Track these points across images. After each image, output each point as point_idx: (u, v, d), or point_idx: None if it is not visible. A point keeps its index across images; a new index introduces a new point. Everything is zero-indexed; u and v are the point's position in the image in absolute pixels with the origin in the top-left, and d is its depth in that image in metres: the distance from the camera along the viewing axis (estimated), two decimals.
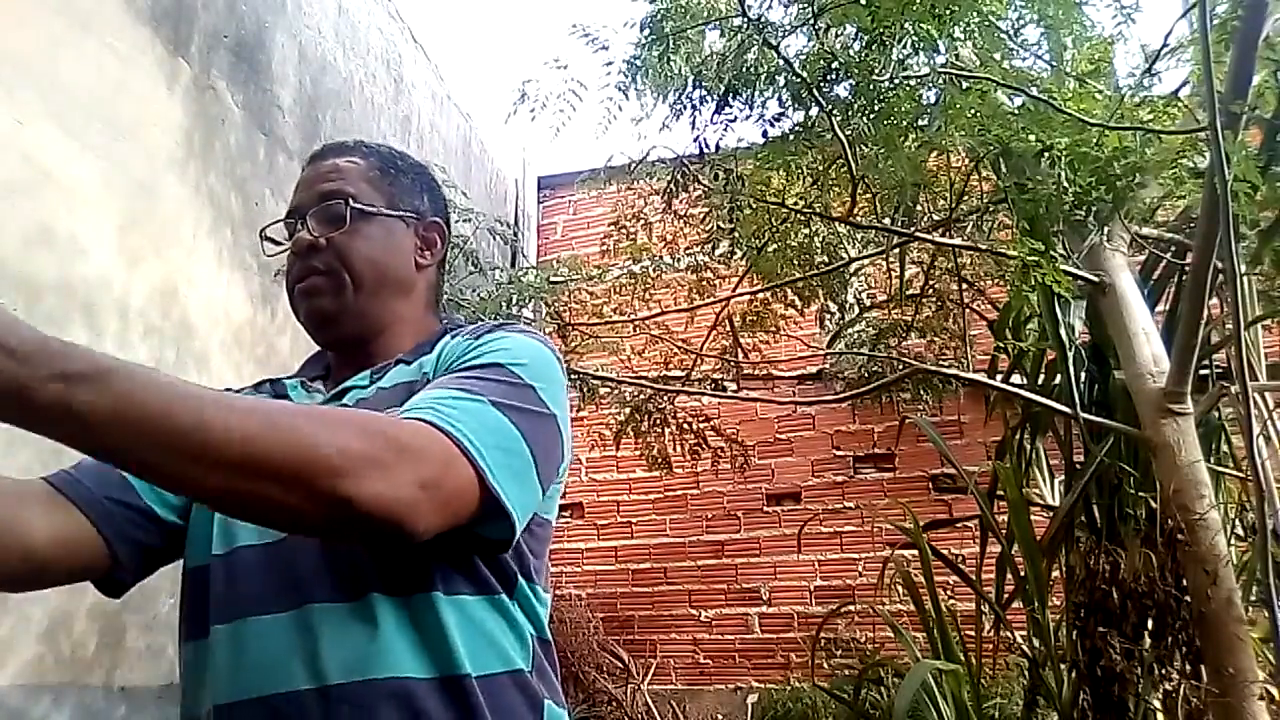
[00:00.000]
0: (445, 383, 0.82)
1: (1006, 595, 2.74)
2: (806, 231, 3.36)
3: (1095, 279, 2.45)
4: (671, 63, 2.68)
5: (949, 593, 3.62)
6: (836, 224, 3.20)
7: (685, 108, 2.84)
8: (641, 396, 3.97)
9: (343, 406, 0.92)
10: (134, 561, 0.90)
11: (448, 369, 0.88)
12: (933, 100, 2.38)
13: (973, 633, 2.81)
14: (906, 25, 2.04)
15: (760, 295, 3.84)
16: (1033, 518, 2.61)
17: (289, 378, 1.04)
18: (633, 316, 4.00)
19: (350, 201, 0.97)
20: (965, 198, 3.01)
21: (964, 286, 3.57)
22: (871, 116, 2.37)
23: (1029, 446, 2.86)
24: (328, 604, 0.81)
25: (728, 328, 4.04)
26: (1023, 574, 2.60)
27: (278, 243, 1.04)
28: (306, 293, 0.97)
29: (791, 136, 2.69)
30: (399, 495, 0.67)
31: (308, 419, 0.68)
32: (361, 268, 0.97)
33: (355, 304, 0.97)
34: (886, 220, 3.05)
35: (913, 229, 2.99)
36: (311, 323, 0.99)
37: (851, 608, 4.51)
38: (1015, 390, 2.76)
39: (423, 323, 1.04)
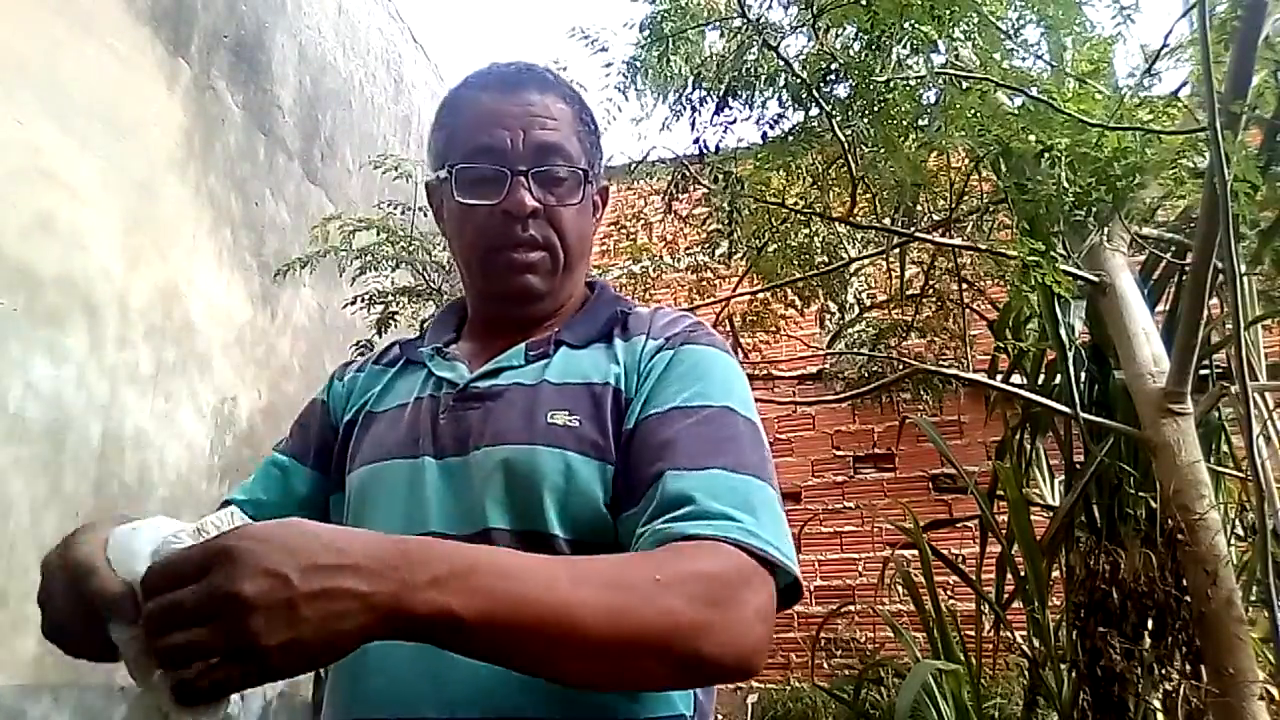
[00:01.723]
0: (687, 438, 0.74)
1: (1006, 595, 2.74)
2: (806, 231, 3.36)
3: (1095, 279, 2.45)
4: (671, 63, 2.69)
5: (949, 593, 3.62)
6: (836, 224, 3.20)
7: (685, 108, 2.84)
8: None
9: (500, 388, 0.83)
10: None
11: (651, 388, 0.80)
12: (932, 101, 2.38)
13: (973, 633, 2.81)
14: (906, 26, 2.04)
15: (760, 295, 3.84)
16: (1033, 518, 2.61)
17: (419, 343, 0.94)
18: None
19: (582, 169, 0.87)
20: (965, 198, 3.01)
21: (964, 286, 3.57)
22: (871, 117, 2.37)
23: (1029, 446, 2.86)
24: None
25: (728, 328, 4.04)
26: (1023, 574, 2.60)
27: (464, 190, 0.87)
28: (521, 266, 0.86)
29: (791, 137, 2.69)
30: (746, 639, 0.64)
31: (657, 584, 0.62)
32: (574, 244, 0.88)
33: (560, 282, 0.88)
34: (886, 220, 3.06)
35: (913, 229, 2.99)
36: (517, 300, 0.89)
37: (851, 608, 4.51)
38: (1015, 390, 2.76)
39: (580, 291, 0.95)
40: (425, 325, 1.02)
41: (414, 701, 0.72)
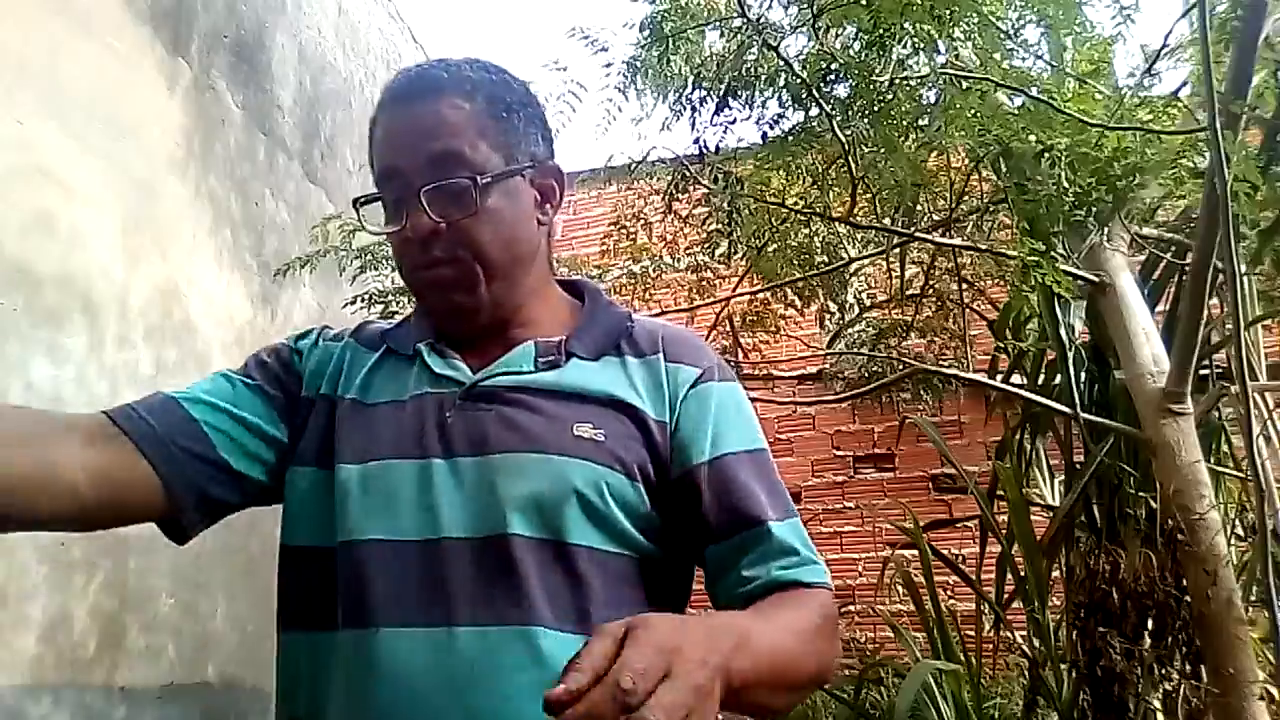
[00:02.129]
0: (765, 487, 0.87)
1: (1006, 595, 2.74)
2: (806, 231, 3.36)
3: (1095, 279, 2.44)
4: (671, 63, 2.69)
5: (949, 593, 3.62)
6: (836, 224, 3.20)
7: (685, 108, 2.84)
8: None
9: (512, 392, 0.83)
10: (200, 510, 0.81)
11: (699, 424, 0.85)
12: (933, 101, 2.38)
13: (973, 633, 2.81)
14: (906, 26, 2.04)
15: (760, 295, 3.84)
16: (1033, 518, 2.61)
17: (401, 332, 0.91)
18: None
19: (476, 179, 0.80)
20: (965, 198, 3.01)
21: (964, 286, 3.57)
22: (871, 117, 2.37)
23: (1029, 446, 2.86)
24: (483, 628, 0.73)
25: (728, 328, 4.04)
26: (1023, 574, 2.60)
27: (369, 215, 0.88)
28: (434, 286, 0.84)
29: (791, 137, 2.69)
30: (833, 671, 0.82)
31: (818, 630, 0.78)
32: (494, 254, 0.83)
33: (491, 294, 0.84)
34: (886, 220, 3.05)
35: (913, 229, 2.99)
36: (446, 319, 0.87)
37: (851, 608, 4.51)
38: (1015, 390, 2.76)
39: (548, 287, 0.92)
40: (398, 316, 0.99)
41: (432, 707, 0.70)
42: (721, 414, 0.86)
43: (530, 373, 0.84)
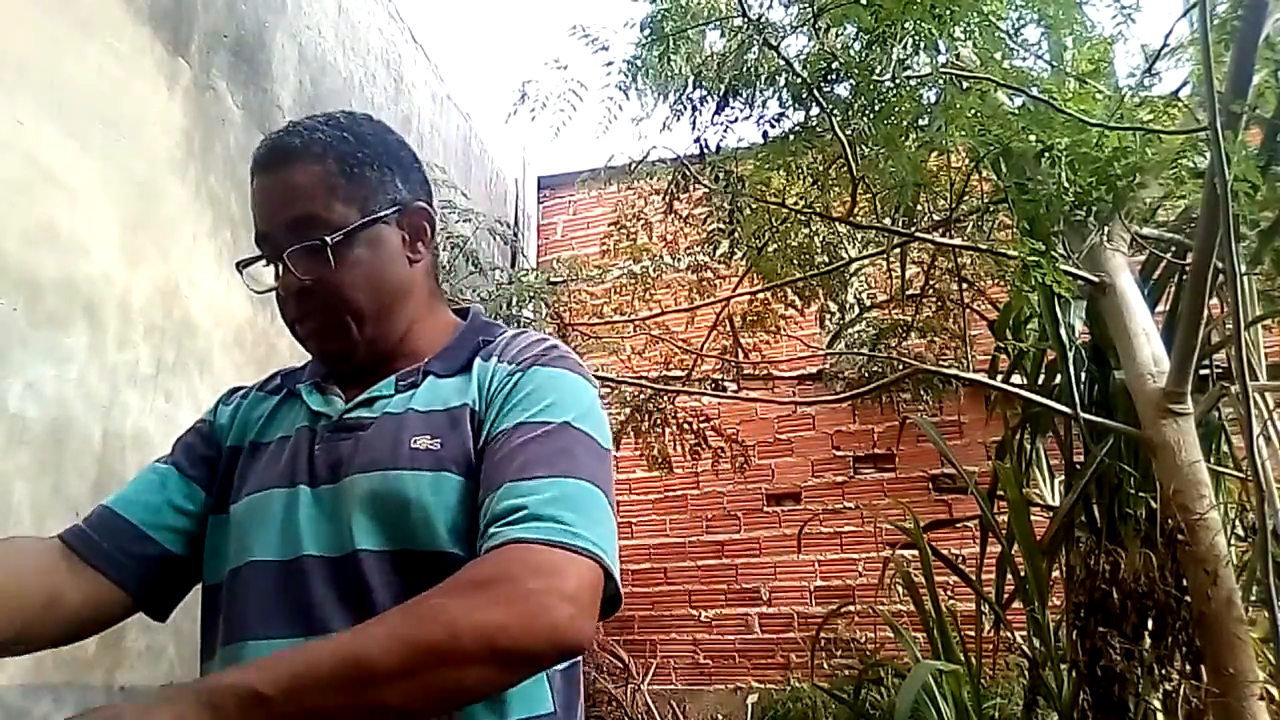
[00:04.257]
0: (526, 453, 0.80)
1: (1006, 595, 2.74)
2: (807, 231, 3.36)
3: (1095, 279, 2.44)
4: (672, 63, 2.69)
5: (949, 593, 3.62)
6: (837, 224, 3.20)
7: (685, 108, 2.84)
8: (642, 396, 3.97)
9: (370, 419, 0.89)
10: (164, 598, 0.93)
11: (499, 408, 0.86)
12: (933, 100, 2.38)
13: (973, 633, 2.81)
14: (907, 25, 2.04)
15: (760, 295, 3.84)
16: (1033, 518, 2.61)
17: (300, 376, 1.00)
18: (633, 317, 4.00)
19: (326, 239, 0.87)
20: (965, 198, 3.01)
21: (964, 286, 3.57)
22: (872, 116, 2.37)
23: (1029, 446, 2.86)
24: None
25: (728, 328, 4.04)
26: (1023, 574, 2.60)
27: (255, 275, 0.96)
28: (311, 335, 0.92)
29: (792, 136, 2.70)
30: (542, 621, 0.69)
31: (440, 603, 0.69)
32: (360, 300, 0.90)
33: (364, 335, 0.91)
34: (886, 220, 3.06)
35: (913, 229, 2.99)
36: (325, 362, 0.96)
37: (851, 608, 4.51)
38: (1015, 390, 2.76)
39: (431, 316, 0.98)
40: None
41: None
42: (514, 394, 0.86)
43: (389, 397, 0.91)
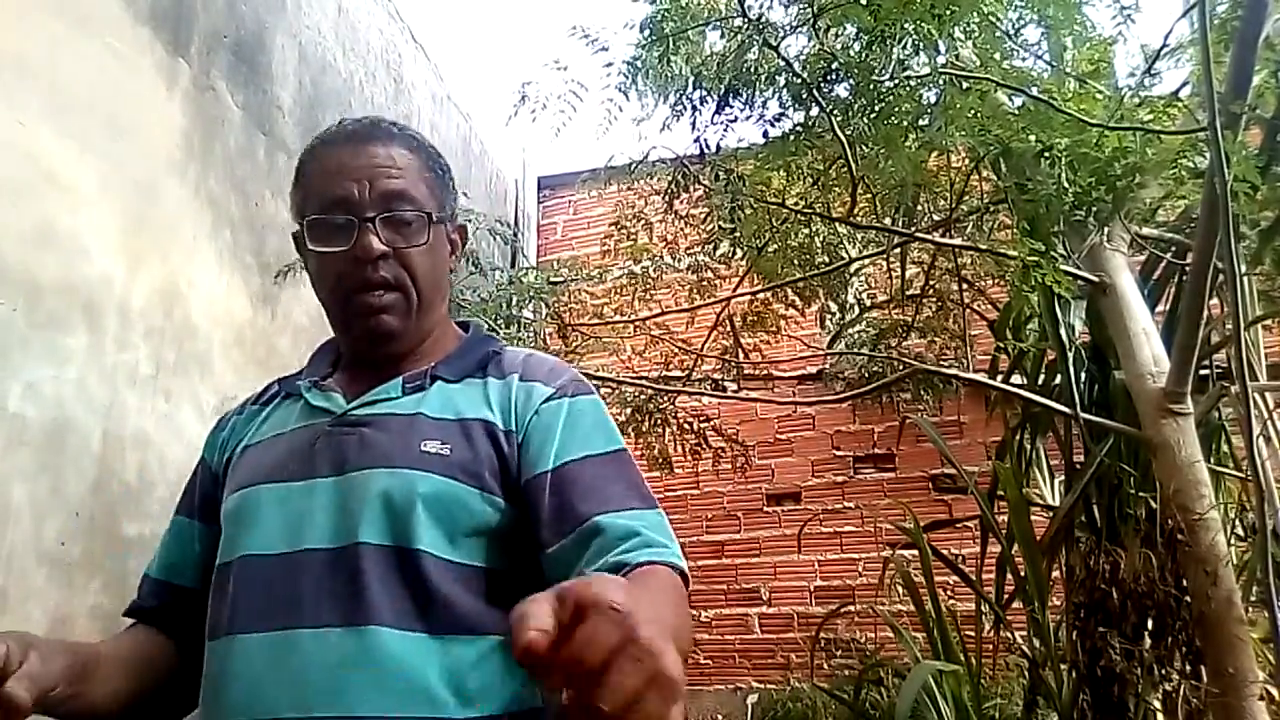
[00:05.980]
0: (616, 483, 0.87)
1: (1006, 595, 2.73)
2: (807, 231, 3.36)
3: (1095, 279, 2.44)
4: (672, 63, 2.68)
5: (949, 593, 3.62)
6: (837, 224, 3.20)
7: (685, 108, 2.84)
8: (642, 397, 3.96)
9: (376, 418, 0.91)
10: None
11: (558, 436, 0.89)
12: (933, 100, 2.37)
13: (973, 633, 2.81)
14: (907, 25, 2.04)
15: (760, 295, 3.84)
16: (1033, 518, 2.61)
17: (298, 377, 1.01)
18: (633, 317, 4.00)
19: (423, 213, 0.93)
20: (965, 198, 3.01)
21: (964, 286, 3.57)
22: (872, 117, 2.37)
23: (1029, 446, 2.86)
24: (325, 629, 0.80)
25: (728, 328, 4.04)
26: (1023, 574, 2.60)
27: (320, 237, 0.96)
28: (375, 308, 0.92)
29: (792, 137, 2.69)
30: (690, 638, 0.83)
31: (680, 605, 0.81)
32: (426, 284, 0.94)
33: (416, 321, 0.95)
34: (886, 220, 3.05)
35: (913, 229, 2.99)
36: (375, 340, 0.95)
37: (851, 608, 4.51)
38: (1015, 390, 2.75)
39: (445, 324, 1.02)
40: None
41: (272, 704, 0.78)
42: (570, 426, 0.90)
43: (396, 399, 0.92)
